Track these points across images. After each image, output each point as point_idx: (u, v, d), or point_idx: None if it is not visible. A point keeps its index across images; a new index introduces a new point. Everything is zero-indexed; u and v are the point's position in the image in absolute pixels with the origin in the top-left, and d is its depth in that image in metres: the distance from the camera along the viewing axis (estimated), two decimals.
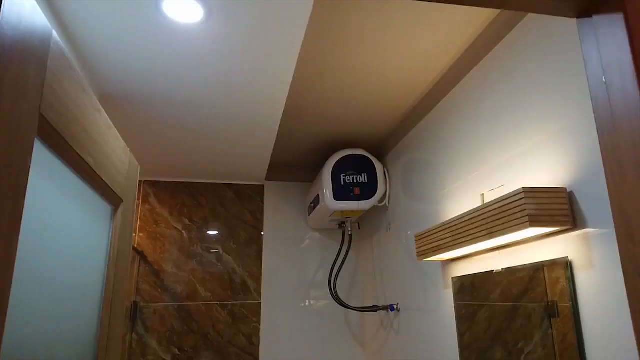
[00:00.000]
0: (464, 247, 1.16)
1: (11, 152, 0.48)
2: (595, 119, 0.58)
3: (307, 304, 2.41)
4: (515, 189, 1.04)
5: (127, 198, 1.01)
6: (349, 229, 2.21)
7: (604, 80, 0.54)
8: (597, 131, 0.58)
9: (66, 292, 0.72)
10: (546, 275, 1.02)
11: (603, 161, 0.57)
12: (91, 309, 0.82)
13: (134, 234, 2.28)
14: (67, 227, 0.72)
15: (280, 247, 2.47)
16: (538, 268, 1.05)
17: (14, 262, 0.50)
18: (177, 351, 2.18)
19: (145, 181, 2.39)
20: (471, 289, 1.38)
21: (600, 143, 0.58)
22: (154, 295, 2.23)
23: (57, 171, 0.67)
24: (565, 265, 0.95)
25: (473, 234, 1.09)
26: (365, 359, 2.36)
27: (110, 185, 0.87)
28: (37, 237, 0.62)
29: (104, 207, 0.89)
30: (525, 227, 0.88)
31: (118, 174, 0.93)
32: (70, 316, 0.74)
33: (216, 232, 2.41)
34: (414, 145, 1.85)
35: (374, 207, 2.16)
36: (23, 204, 0.52)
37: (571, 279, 0.94)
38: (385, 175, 2.07)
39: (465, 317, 1.39)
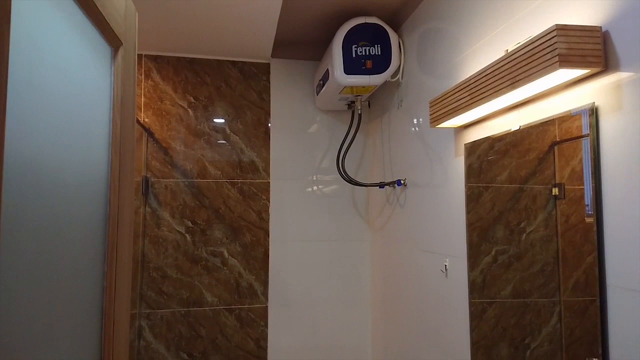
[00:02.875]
0: (483, 103, 1.11)
1: None
2: None
3: (314, 188, 2.46)
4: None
5: (127, 43, 0.94)
6: (359, 108, 2.16)
7: None
8: None
9: (68, 128, 0.69)
10: (556, 157, 1.02)
11: None
12: (98, 151, 0.81)
13: (140, 112, 2.25)
14: (63, 58, 0.67)
15: (287, 129, 2.45)
16: (561, 117, 1.01)
17: (7, 65, 0.46)
18: (190, 224, 2.28)
19: (146, 55, 2.29)
20: (479, 169, 1.38)
21: None
22: (164, 172, 2.27)
23: None
24: (591, 111, 0.91)
25: (494, 87, 1.03)
26: (370, 233, 2.47)
27: (107, 20, 0.80)
28: (31, 59, 0.57)
29: (102, 46, 0.83)
30: (555, 69, 0.82)
31: (114, 10, 0.85)
32: (75, 153, 0.72)
33: (222, 111, 2.37)
34: (432, 11, 1.71)
35: (386, 84, 2.08)
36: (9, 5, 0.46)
37: (595, 127, 0.91)
38: (400, 47, 1.95)
39: (471, 197, 1.41)
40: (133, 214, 0.93)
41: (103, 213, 0.81)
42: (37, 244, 0.57)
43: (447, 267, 1.56)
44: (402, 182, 1.97)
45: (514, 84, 0.95)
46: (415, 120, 1.86)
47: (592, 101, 0.91)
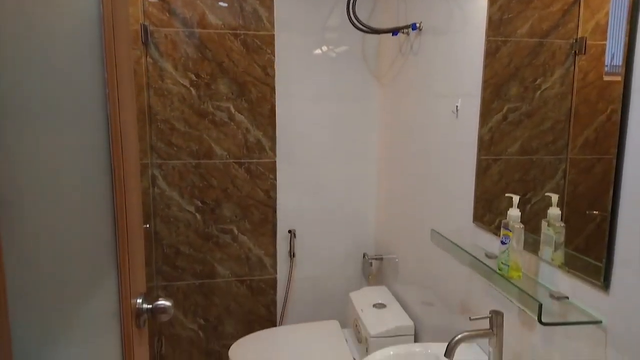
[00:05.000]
0: None
1: None
2: None
3: (323, 48, 2.32)
4: None
5: None
6: None
7: None
8: None
9: None
10: (581, 9, 0.97)
11: None
12: None
13: None
14: None
15: None
16: None
17: None
18: (193, 77, 2.21)
19: None
20: (499, 20, 1.28)
21: None
22: (162, 20, 2.12)
23: None
24: None
25: None
26: (379, 89, 2.41)
27: None
28: None
29: None
30: None
31: None
32: None
33: None
34: None
35: None
36: None
37: None
38: None
39: (489, 52, 1.35)
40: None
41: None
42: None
43: (458, 108, 1.54)
44: (418, 25, 1.83)
45: None
46: None
47: None
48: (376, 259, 2.40)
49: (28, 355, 0.52)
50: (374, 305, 2.01)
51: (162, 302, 0.89)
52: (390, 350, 1.34)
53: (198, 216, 2.32)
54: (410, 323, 1.86)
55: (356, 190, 2.49)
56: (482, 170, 1.41)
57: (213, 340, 2.42)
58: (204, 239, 2.35)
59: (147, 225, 2.17)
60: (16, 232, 0.50)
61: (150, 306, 0.89)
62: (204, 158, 2.28)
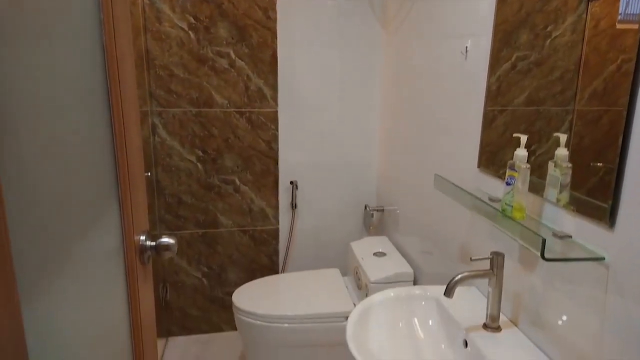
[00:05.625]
0: None
1: None
2: None
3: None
4: None
5: None
6: None
7: None
8: None
9: None
10: None
11: None
12: None
13: None
14: None
15: None
16: None
17: None
18: (192, 20, 2.13)
19: None
20: None
21: None
22: None
23: None
24: None
25: None
26: (385, 37, 2.34)
27: None
28: None
29: None
30: None
31: None
32: None
33: None
34: None
35: None
36: None
37: None
38: None
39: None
40: None
41: None
42: None
43: (467, 49, 1.49)
44: None
45: None
46: None
47: None
48: (377, 210, 2.41)
49: (32, 290, 0.52)
50: (375, 254, 2.05)
51: (166, 240, 0.89)
52: (390, 292, 1.37)
53: (199, 166, 2.32)
54: (410, 270, 1.89)
55: (359, 142, 2.47)
56: (488, 121, 1.38)
57: (216, 288, 2.49)
58: (206, 189, 2.36)
59: (149, 174, 2.17)
60: (18, 169, 0.49)
61: (154, 243, 0.89)
62: (204, 106, 2.24)
